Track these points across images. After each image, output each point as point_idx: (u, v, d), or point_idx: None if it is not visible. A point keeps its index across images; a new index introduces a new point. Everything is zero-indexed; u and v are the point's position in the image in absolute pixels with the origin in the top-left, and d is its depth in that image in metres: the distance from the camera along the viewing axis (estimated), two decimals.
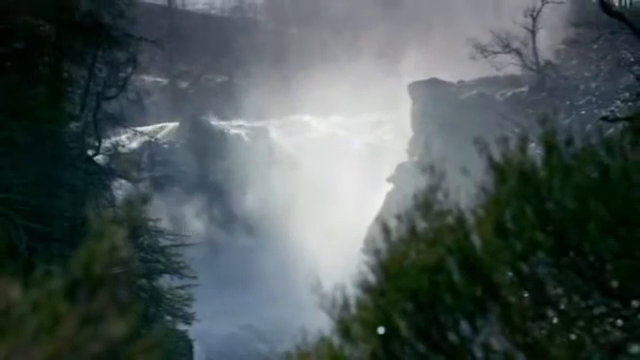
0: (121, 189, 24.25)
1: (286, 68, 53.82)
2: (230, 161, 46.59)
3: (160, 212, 25.51)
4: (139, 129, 31.49)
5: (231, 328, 39.04)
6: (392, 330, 2.65)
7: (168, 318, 22.47)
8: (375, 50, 51.08)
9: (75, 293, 1.85)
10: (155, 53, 37.40)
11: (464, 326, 2.67)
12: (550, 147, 2.77)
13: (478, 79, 42.82)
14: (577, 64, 41.11)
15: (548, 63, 42.15)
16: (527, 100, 39.17)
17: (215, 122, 49.21)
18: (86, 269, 1.87)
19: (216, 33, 60.34)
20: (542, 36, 42.48)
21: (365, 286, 2.73)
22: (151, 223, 22.73)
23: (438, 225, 2.76)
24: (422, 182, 2.82)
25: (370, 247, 2.76)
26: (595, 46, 39.79)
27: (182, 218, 40.46)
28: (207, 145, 46.78)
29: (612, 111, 30.98)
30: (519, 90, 41.57)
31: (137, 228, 19.50)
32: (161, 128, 46.65)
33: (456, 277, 2.69)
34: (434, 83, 43.48)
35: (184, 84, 59.70)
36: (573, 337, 2.63)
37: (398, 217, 2.79)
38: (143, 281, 21.00)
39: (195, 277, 23.43)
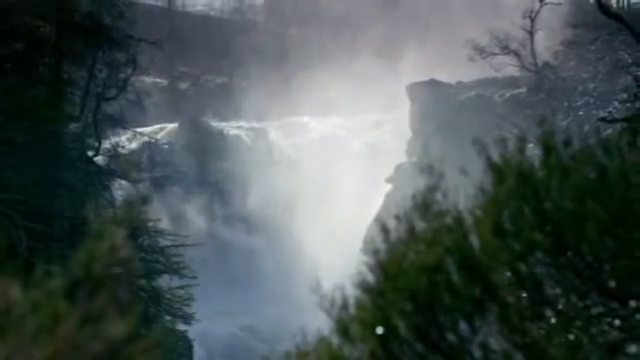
0: (121, 189, 24.25)
1: (286, 69, 53.81)
2: (230, 162, 46.59)
3: (160, 213, 25.54)
4: (139, 130, 31.50)
5: (231, 328, 39.04)
6: (391, 330, 2.66)
7: (168, 318, 22.48)
8: (374, 51, 51.07)
9: (75, 293, 1.85)
10: (155, 54, 37.39)
11: (463, 326, 2.68)
12: (548, 148, 2.78)
13: (477, 80, 42.82)
14: (575, 65, 41.15)
15: (546, 64, 42.17)
16: (525, 101, 39.20)
17: (215, 123, 49.20)
18: (86, 269, 1.88)
19: (216, 34, 60.33)
20: (540, 37, 42.50)
21: (364, 286, 2.74)
22: (151, 223, 22.74)
23: (437, 225, 2.77)
24: (421, 182, 2.83)
25: (369, 247, 2.77)
26: (593, 47, 39.84)
27: (182, 219, 40.46)
28: (207, 146, 46.78)
29: (610, 112, 31.01)
30: (517, 91, 41.59)
31: (137, 228, 19.50)
32: (161, 129, 46.63)
33: (455, 277, 2.70)
34: (433, 84, 43.50)
35: (184, 85, 59.69)
36: (571, 337, 2.64)
37: (397, 217, 2.79)
38: (143, 281, 21.00)
39: (195, 277, 23.45)
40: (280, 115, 48.59)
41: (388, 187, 41.10)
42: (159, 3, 60.89)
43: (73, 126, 21.99)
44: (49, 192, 18.70)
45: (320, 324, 2.76)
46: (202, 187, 45.34)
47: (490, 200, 2.74)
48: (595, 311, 2.68)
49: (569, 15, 42.47)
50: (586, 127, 25.62)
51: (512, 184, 2.75)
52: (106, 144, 23.90)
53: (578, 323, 2.66)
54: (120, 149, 24.75)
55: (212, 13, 66.15)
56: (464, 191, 2.81)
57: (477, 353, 2.65)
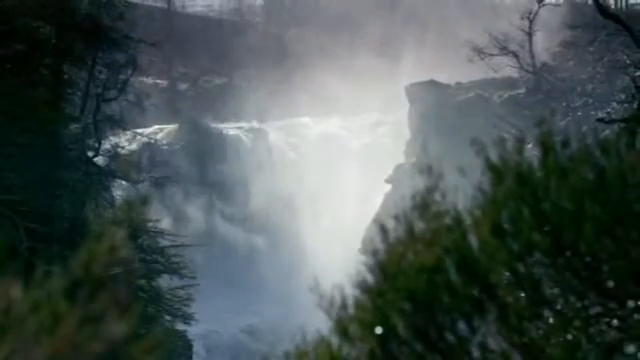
0: (121, 190, 24.27)
1: (285, 70, 53.81)
2: (229, 162, 46.60)
3: (159, 213, 25.54)
4: (138, 131, 31.51)
5: (231, 328, 39.05)
6: (390, 330, 2.67)
7: (167, 318, 22.50)
8: (373, 52, 51.09)
9: (75, 293, 1.86)
10: (154, 55, 37.45)
11: (461, 326, 2.69)
12: (547, 148, 2.78)
13: (475, 81, 42.82)
14: (573, 66, 41.18)
15: (545, 65, 42.18)
16: (524, 102, 39.22)
17: (214, 124, 49.20)
18: (86, 269, 1.88)
19: (215, 35, 60.34)
20: (539, 38, 42.51)
21: (363, 286, 2.74)
22: (151, 224, 22.77)
23: (436, 226, 2.78)
24: (420, 183, 2.83)
25: (368, 247, 2.78)
26: (591, 48, 39.88)
27: (181, 219, 40.46)
28: (206, 147, 46.77)
29: (608, 113, 31.04)
30: (516, 92, 41.59)
31: (137, 229, 19.52)
32: (160, 130, 46.64)
33: (453, 277, 2.71)
34: (432, 85, 43.50)
35: (183, 86, 59.67)
36: (569, 337, 2.64)
37: (396, 218, 2.80)
38: (143, 281, 21.02)
39: (194, 277, 23.47)
40: (279, 116, 48.59)
41: (387, 187, 41.11)
42: (158, 4, 60.88)
43: (73, 127, 22.01)
44: (49, 193, 18.72)
45: (320, 324, 2.76)
46: (202, 188, 45.34)
47: (489, 200, 2.75)
48: (593, 311, 2.68)
49: (567, 16, 42.51)
50: (584, 128, 25.66)
51: (511, 185, 2.76)
52: (106, 145, 23.91)
53: (576, 323, 2.66)
54: (120, 150, 24.76)
55: (211, 14, 66.14)
56: (463, 191, 2.82)
57: (476, 353, 2.66)
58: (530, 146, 2.86)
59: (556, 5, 42.81)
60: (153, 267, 22.54)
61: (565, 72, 41.13)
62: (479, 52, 41.28)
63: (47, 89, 20.28)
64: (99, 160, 23.53)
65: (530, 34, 42.28)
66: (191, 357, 26.04)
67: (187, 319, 23.10)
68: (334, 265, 22.08)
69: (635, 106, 23.48)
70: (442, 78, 43.57)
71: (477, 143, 2.77)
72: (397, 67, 48.06)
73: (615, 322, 2.65)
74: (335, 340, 2.71)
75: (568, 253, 2.70)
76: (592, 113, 34.43)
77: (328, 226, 41.83)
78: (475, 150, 2.79)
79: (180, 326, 23.23)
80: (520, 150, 2.79)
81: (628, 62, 33.46)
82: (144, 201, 2.16)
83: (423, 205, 2.79)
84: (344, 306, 2.72)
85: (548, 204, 2.71)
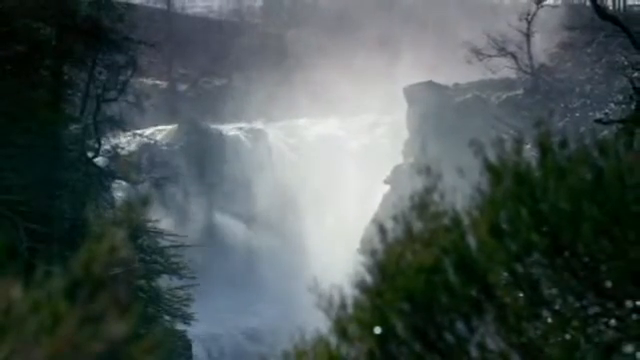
0: (121, 190, 24.27)
1: (284, 71, 53.80)
2: (229, 163, 46.60)
3: (159, 213, 25.51)
4: (138, 131, 31.50)
5: (231, 329, 39.04)
6: (389, 330, 2.68)
7: (167, 318, 22.50)
8: (372, 53, 51.08)
9: (75, 293, 1.87)
10: (154, 56, 37.44)
11: (460, 326, 2.69)
12: (545, 149, 2.79)
13: (473, 82, 42.80)
14: (571, 67, 41.19)
15: (543, 66, 42.18)
16: (522, 103, 39.22)
17: (214, 125, 49.19)
18: (86, 270, 1.89)
19: (215, 36, 60.31)
20: (537, 39, 42.48)
21: (362, 286, 2.75)
22: (150, 224, 22.77)
23: (434, 226, 2.78)
24: (418, 183, 2.84)
25: (367, 248, 2.79)
26: (589, 49, 39.91)
27: (181, 220, 40.45)
28: (206, 147, 46.76)
29: (606, 114, 31.06)
30: (514, 93, 41.59)
31: (137, 229, 19.52)
32: (160, 130, 46.61)
33: (452, 277, 2.71)
34: (430, 86, 43.49)
35: (183, 87, 59.65)
36: (568, 337, 2.65)
37: (395, 218, 2.81)
38: (142, 282, 21.03)
39: (194, 277, 23.47)
40: (279, 117, 48.60)
41: (386, 188, 41.11)
42: (158, 5, 60.84)
43: (73, 128, 22.02)
44: (49, 193, 18.73)
45: (320, 324, 2.77)
46: (201, 188, 45.34)
47: (487, 201, 2.76)
48: (592, 311, 2.69)
49: (565, 17, 42.52)
50: (582, 129, 25.63)
51: (509, 185, 2.76)
52: (106, 145, 23.92)
53: (575, 323, 2.67)
54: (120, 150, 24.78)
55: (211, 15, 66.14)
56: (461, 192, 2.82)
57: (474, 353, 2.66)
58: (528, 147, 2.87)
59: (554, 6, 42.82)
60: (153, 267, 22.55)
61: (563, 73, 41.15)
62: (477, 53, 41.28)
63: (47, 90, 20.29)
64: (99, 161, 23.54)
65: (528, 35, 42.27)
66: (191, 357, 26.04)
67: (187, 319, 23.11)
68: (334, 265, 22.08)
69: (633, 107, 23.50)
70: (440, 79, 43.57)
71: (475, 144, 2.78)
72: (396, 68, 48.05)
73: (613, 322, 2.66)
74: (334, 340, 2.71)
75: (566, 253, 2.71)
76: (590, 114, 34.45)
77: (328, 226, 41.83)
78: (473, 151, 2.79)
79: (180, 326, 23.24)
80: (518, 151, 2.80)
81: (626, 63, 33.49)
82: (144, 202, 2.16)
83: (422, 205, 2.80)
84: (343, 306, 2.72)
85: (546, 204, 2.72)
